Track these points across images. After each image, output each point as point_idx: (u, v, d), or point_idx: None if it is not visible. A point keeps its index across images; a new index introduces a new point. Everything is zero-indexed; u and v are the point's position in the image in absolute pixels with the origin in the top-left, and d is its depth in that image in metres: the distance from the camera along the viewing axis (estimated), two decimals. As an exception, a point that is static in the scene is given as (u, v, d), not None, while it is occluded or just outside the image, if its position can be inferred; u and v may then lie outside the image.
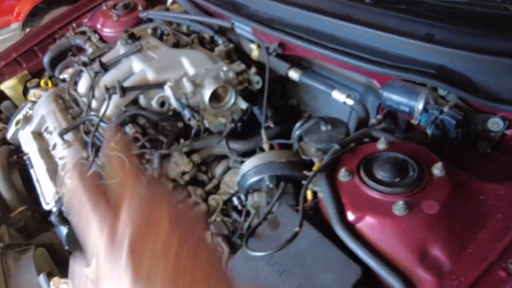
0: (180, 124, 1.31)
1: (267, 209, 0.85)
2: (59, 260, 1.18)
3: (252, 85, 1.31)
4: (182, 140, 1.30)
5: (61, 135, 1.21)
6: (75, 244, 1.11)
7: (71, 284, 0.93)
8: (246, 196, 0.96)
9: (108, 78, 1.35)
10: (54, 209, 1.14)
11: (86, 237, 0.34)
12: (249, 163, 0.96)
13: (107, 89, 1.21)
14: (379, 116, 1.11)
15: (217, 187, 1.34)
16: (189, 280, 0.29)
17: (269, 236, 0.80)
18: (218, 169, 1.41)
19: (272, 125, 1.24)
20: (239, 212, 1.00)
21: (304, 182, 0.83)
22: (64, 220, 1.06)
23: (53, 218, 1.06)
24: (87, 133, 1.24)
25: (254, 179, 0.93)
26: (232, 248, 0.93)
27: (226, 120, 1.28)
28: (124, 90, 1.22)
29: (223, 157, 1.45)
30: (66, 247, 1.12)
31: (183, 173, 1.35)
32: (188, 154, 1.33)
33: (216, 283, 0.30)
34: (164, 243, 0.30)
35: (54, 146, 1.37)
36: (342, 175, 0.81)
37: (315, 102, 1.44)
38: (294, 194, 0.90)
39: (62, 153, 1.30)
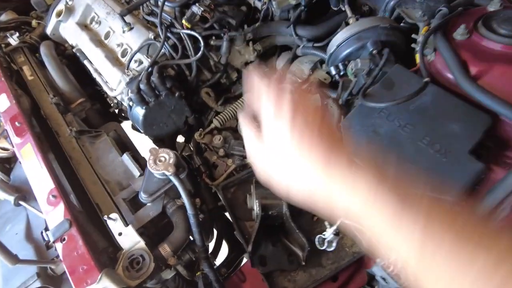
0: (244, 8, 1.22)
1: (375, 72, 0.82)
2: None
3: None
4: (246, 26, 1.23)
5: (123, 15, 1.12)
6: (150, 126, 1.10)
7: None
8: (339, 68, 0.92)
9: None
10: (124, 93, 1.11)
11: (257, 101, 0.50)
12: (346, 32, 0.90)
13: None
14: None
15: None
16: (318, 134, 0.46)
17: (384, 94, 0.78)
18: (279, 62, 1.36)
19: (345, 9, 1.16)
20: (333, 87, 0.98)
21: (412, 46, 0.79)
22: (143, 100, 1.03)
23: (131, 97, 1.03)
24: (148, 14, 1.16)
25: (354, 46, 0.88)
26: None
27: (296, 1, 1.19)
28: (187, -35, 1.11)
29: (283, 49, 1.39)
30: (142, 130, 1.10)
31: (246, 63, 1.30)
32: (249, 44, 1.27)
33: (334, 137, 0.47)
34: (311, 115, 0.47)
35: (107, 35, 1.29)
36: (460, 33, 0.78)
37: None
38: (395, 61, 0.87)
39: (120, 39, 1.23)
